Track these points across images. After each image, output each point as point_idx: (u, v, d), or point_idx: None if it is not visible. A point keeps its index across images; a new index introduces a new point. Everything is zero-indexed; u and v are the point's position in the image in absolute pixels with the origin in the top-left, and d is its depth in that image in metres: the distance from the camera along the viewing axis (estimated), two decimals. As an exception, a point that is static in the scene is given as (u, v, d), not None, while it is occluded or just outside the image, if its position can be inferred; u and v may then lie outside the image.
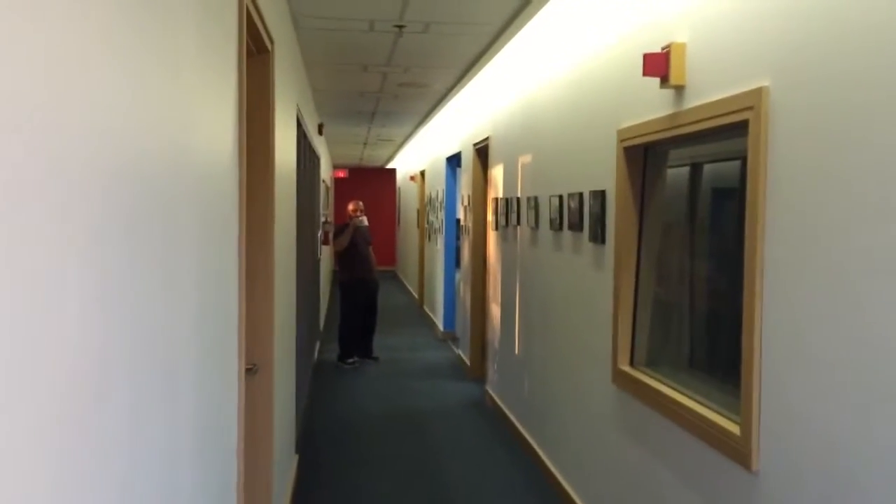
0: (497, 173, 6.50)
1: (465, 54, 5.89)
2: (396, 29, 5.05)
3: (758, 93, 2.34)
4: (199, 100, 1.83)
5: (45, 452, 0.91)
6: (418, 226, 13.43)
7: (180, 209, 1.62)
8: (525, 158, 5.45)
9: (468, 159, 8.07)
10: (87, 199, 1.05)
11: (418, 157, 13.49)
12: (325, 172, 12.99)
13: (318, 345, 8.96)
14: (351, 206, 8.66)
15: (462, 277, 8.85)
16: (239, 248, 2.43)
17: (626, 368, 3.49)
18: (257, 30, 2.87)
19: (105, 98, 1.12)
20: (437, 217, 10.92)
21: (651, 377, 3.28)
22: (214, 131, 2.04)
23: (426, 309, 12.39)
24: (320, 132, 9.03)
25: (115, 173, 1.17)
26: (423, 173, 12.75)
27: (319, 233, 9.46)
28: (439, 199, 10.59)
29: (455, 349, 9.24)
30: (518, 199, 5.61)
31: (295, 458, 4.94)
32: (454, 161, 9.50)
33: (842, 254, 1.99)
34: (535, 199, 5.04)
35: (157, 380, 1.44)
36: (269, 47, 3.21)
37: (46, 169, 0.90)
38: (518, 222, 5.64)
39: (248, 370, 2.95)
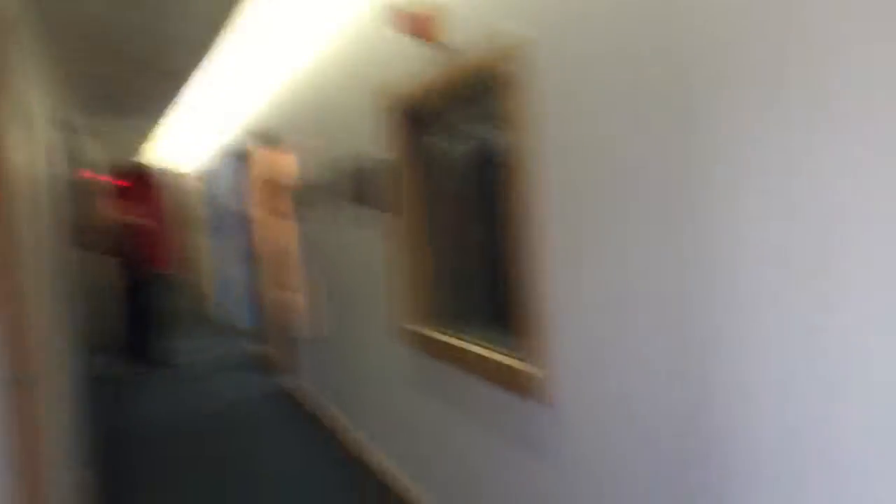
0: (280, 160, 6.31)
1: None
2: None
3: (518, 46, 2.39)
4: None
5: None
6: (203, 225, 12.83)
7: None
8: (306, 138, 5.32)
9: (248, 149, 7.79)
10: None
11: (197, 153, 12.86)
12: (99, 175, 12.04)
13: (99, 356, 8.34)
14: (121, 205, 8.15)
15: (255, 271, 8.56)
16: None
17: (419, 328, 3.51)
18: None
19: None
20: (221, 213, 10.47)
21: (444, 333, 3.32)
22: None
23: (221, 308, 11.91)
24: (85, 132, 8.36)
25: None
26: (201, 170, 12.17)
27: (91, 238, 8.80)
28: (222, 194, 10.15)
29: (256, 344, 8.94)
30: (303, 181, 5.48)
31: (84, 475, 4.55)
32: (234, 153, 9.12)
33: (602, 187, 2.08)
34: (319, 177, 4.94)
35: None
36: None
37: None
38: (306, 204, 5.51)
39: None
